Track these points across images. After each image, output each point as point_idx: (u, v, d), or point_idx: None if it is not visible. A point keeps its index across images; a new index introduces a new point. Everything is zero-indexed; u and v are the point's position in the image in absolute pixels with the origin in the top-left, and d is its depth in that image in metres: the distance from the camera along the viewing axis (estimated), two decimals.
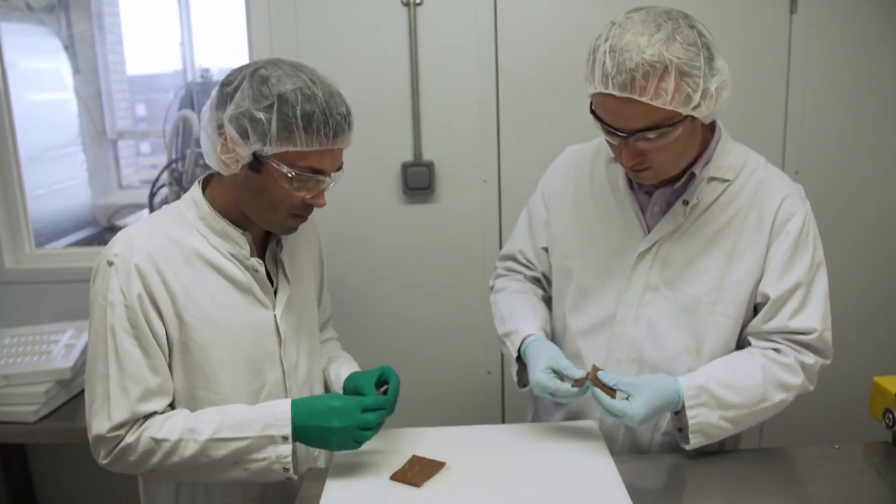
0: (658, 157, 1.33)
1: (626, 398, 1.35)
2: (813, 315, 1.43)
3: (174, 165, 3.20)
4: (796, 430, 2.50)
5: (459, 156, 2.45)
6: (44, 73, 3.26)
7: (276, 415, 1.32)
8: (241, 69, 1.32)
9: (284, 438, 1.31)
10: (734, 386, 1.39)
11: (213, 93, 1.34)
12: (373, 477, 1.37)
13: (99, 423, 1.30)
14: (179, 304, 1.33)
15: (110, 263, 1.31)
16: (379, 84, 2.43)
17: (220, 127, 1.30)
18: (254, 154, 1.28)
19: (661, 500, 1.36)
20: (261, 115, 1.25)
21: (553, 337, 1.63)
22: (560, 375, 1.43)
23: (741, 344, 1.50)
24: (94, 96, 3.52)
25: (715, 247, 1.44)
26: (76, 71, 3.45)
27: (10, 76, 2.59)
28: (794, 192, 1.46)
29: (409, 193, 2.48)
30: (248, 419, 1.32)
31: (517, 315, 1.61)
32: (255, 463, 1.32)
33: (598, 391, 1.36)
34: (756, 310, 1.46)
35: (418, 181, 2.44)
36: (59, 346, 2.25)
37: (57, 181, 3.23)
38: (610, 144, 1.38)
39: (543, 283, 1.70)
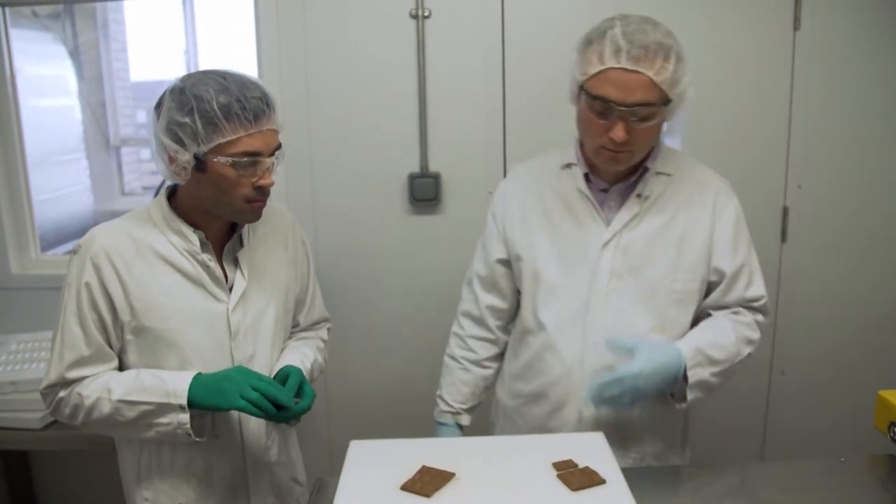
0: (642, 138, 1.50)
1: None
2: (760, 285, 1.67)
3: None
4: (803, 443, 2.52)
5: (466, 167, 2.47)
6: (48, 80, 3.26)
7: (177, 385, 1.46)
8: (166, 89, 1.47)
9: (182, 408, 1.45)
10: (719, 345, 1.58)
11: (151, 116, 1.48)
12: (383, 487, 1.37)
13: (43, 382, 1.52)
14: (131, 293, 1.49)
15: (75, 252, 1.51)
16: (387, 95, 2.45)
17: (161, 142, 1.45)
18: (194, 156, 1.43)
19: None
20: (186, 119, 1.40)
21: (524, 336, 1.76)
22: None
23: (698, 317, 1.68)
24: (99, 103, 3.53)
25: (667, 233, 1.62)
26: (81, 78, 3.46)
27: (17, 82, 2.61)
28: (724, 185, 1.68)
29: (415, 204, 2.50)
30: (154, 386, 1.47)
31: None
32: (161, 426, 1.47)
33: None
34: (710, 285, 1.66)
35: (425, 192, 2.46)
36: None
37: (60, 187, 3.23)
38: (597, 127, 1.51)
39: (488, 321, 1.84)
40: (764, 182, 2.51)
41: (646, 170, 1.62)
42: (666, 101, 1.48)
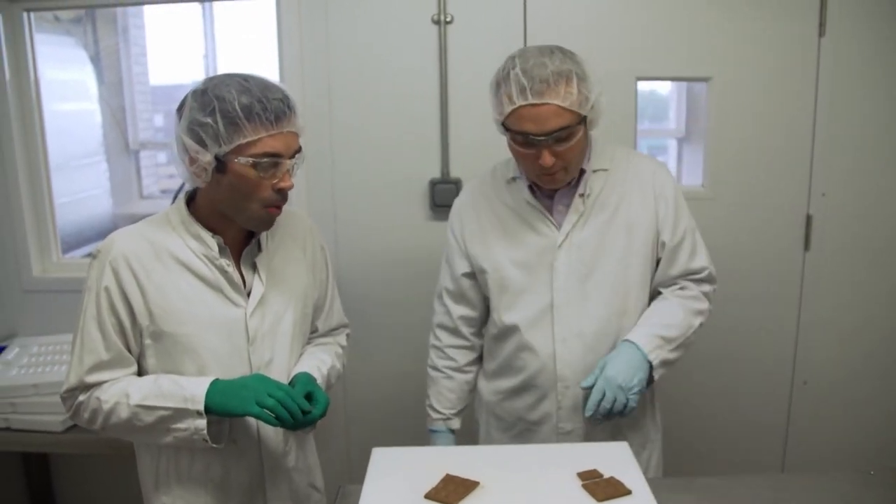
0: (569, 156, 1.61)
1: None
2: (703, 256, 1.78)
3: None
4: (824, 454, 2.49)
5: None
6: (70, 84, 3.28)
7: (194, 390, 1.45)
8: (188, 91, 1.48)
9: (199, 413, 1.44)
10: (669, 324, 1.70)
11: (174, 118, 1.48)
12: (407, 496, 1.37)
13: (63, 385, 1.52)
14: (149, 298, 1.49)
15: (94, 257, 1.52)
16: (408, 101, 2.45)
17: (182, 143, 1.44)
18: (215, 157, 1.43)
19: None
20: (207, 119, 1.41)
21: (499, 338, 1.84)
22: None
23: (652, 294, 1.79)
24: (119, 108, 3.54)
25: (614, 224, 1.73)
26: (101, 82, 3.48)
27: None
28: (659, 167, 1.80)
29: (436, 210, 2.49)
30: (172, 391, 1.46)
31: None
32: (178, 431, 1.46)
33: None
34: (659, 262, 1.77)
35: (446, 198, 2.44)
36: None
37: (81, 190, 3.24)
38: (527, 157, 1.62)
39: (462, 330, 1.91)
40: (787, 190, 2.49)
41: (582, 171, 1.72)
42: (581, 119, 1.59)
